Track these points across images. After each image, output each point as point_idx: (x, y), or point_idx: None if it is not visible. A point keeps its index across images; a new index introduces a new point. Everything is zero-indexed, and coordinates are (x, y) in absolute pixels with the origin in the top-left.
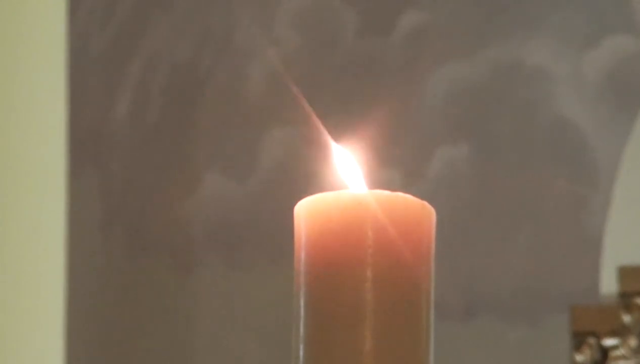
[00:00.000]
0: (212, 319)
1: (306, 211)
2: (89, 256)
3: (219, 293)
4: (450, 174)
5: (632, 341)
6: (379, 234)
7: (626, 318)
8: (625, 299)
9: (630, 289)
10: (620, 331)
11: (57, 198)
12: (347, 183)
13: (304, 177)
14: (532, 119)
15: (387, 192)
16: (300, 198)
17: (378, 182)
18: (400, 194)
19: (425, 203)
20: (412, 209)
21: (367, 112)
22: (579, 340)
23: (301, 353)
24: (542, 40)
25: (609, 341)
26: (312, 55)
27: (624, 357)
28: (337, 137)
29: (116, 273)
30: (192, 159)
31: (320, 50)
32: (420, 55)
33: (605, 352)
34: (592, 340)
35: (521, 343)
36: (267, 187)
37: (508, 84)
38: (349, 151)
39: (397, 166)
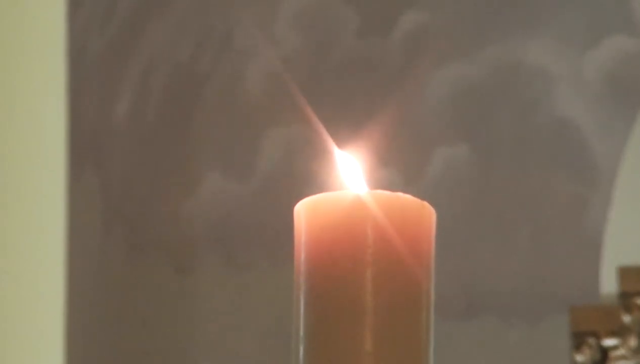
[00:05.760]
0: (212, 319)
1: (306, 211)
2: (89, 256)
3: (219, 293)
4: (450, 174)
5: (632, 341)
6: (379, 234)
7: (626, 318)
8: (625, 299)
9: (630, 289)
10: (620, 331)
11: (57, 198)
12: (348, 184)
13: (304, 177)
14: (532, 119)
15: (387, 192)
16: (300, 198)
17: (378, 182)
18: (400, 194)
19: (425, 203)
20: (412, 209)
21: (367, 112)
22: (579, 340)
23: (301, 353)
24: (542, 40)
25: (609, 341)
26: (312, 55)
27: (624, 357)
28: (337, 137)
29: (116, 272)
30: (192, 159)
31: (320, 50)
32: (420, 55)
33: (605, 352)
34: (592, 340)
35: (521, 343)
36: (267, 187)
37: (508, 84)
38: (349, 153)
39: (397, 166)
